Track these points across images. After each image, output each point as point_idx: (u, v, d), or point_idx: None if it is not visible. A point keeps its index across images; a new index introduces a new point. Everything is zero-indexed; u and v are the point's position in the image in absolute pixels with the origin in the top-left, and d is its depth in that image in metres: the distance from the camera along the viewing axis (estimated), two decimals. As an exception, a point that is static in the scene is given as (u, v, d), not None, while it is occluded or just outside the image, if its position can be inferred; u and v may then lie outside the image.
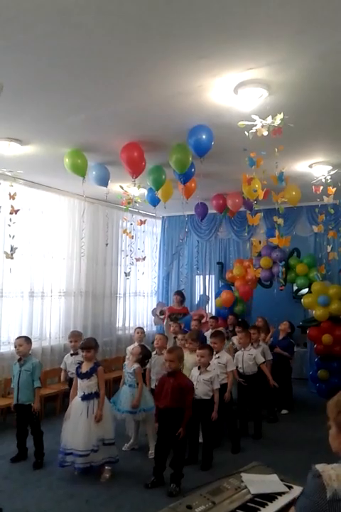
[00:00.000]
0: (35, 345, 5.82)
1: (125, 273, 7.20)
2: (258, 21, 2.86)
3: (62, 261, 7.68)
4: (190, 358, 5.25)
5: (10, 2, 2.66)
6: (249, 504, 2.22)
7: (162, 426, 4.37)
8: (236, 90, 3.80)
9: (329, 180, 5.97)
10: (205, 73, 3.54)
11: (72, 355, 5.53)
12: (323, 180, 6.01)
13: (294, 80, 3.65)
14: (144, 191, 6.55)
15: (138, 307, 9.64)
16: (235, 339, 6.50)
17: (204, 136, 4.66)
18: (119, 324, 9.04)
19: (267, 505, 2.21)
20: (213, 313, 8.52)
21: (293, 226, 8.25)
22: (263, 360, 5.95)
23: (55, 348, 7.43)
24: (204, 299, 9.43)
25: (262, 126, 3.91)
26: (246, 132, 4.01)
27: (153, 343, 5.86)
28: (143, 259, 6.91)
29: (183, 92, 3.89)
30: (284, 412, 6.88)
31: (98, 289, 8.36)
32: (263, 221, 8.03)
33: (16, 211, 5.49)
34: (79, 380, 4.59)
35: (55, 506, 3.99)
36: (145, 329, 9.28)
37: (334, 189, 5.86)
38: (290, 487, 2.37)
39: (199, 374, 4.85)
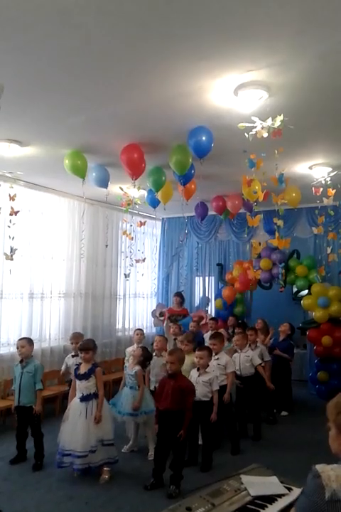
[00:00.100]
0: (34, 346, 5.80)
1: (125, 274, 7.20)
2: (258, 23, 2.86)
3: (61, 262, 7.68)
4: (186, 359, 5.24)
5: (10, 3, 2.66)
6: (248, 506, 2.21)
7: (162, 428, 4.36)
8: (237, 92, 3.80)
9: (329, 182, 5.97)
10: (205, 75, 3.55)
11: (73, 356, 5.53)
12: (323, 182, 6.02)
13: (294, 82, 3.66)
14: (144, 193, 6.55)
15: (137, 308, 9.64)
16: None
17: (204, 138, 4.66)
18: (119, 326, 9.04)
19: (267, 507, 2.21)
20: (213, 315, 8.51)
21: (293, 228, 8.26)
22: (260, 361, 5.94)
23: (55, 350, 7.43)
24: (205, 301, 9.43)
25: (262, 128, 3.92)
26: (246, 134, 4.01)
27: (152, 344, 5.86)
28: (143, 260, 6.91)
29: (183, 94, 3.89)
30: (284, 413, 6.87)
31: (98, 290, 8.36)
32: (263, 223, 8.05)
33: (16, 212, 5.49)
34: (77, 381, 4.59)
35: (55, 508, 3.99)
36: (144, 331, 9.29)
37: (334, 191, 5.86)
38: (290, 489, 2.37)
39: (198, 375, 4.84)
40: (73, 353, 5.56)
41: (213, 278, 9.48)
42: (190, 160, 5.17)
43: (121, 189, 6.17)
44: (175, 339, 6.40)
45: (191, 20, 2.82)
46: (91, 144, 5.21)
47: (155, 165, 5.73)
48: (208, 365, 4.92)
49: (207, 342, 6.71)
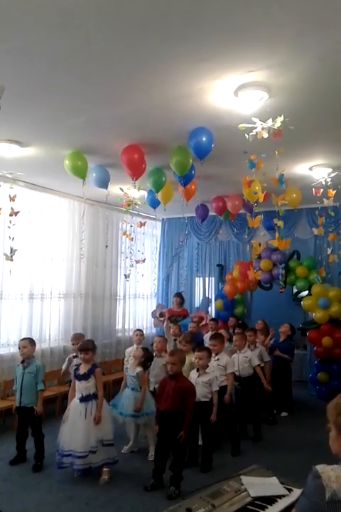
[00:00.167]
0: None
1: (125, 275, 7.20)
2: (259, 24, 2.86)
3: (61, 263, 7.68)
4: None
5: (10, 3, 2.66)
6: (248, 507, 2.21)
7: (162, 428, 4.36)
8: (237, 93, 3.81)
9: (329, 183, 5.97)
10: (206, 76, 3.55)
11: (74, 357, 5.52)
12: (323, 183, 6.02)
13: (294, 83, 3.66)
14: (144, 193, 6.55)
15: (137, 309, 9.64)
16: None
17: (204, 139, 4.66)
18: (119, 326, 9.04)
19: (267, 508, 2.21)
20: (213, 316, 8.51)
21: (293, 228, 8.26)
22: (258, 362, 5.93)
23: (55, 350, 7.43)
24: (206, 302, 9.42)
25: (262, 129, 3.92)
26: (246, 135, 4.01)
27: (152, 345, 5.86)
28: (143, 261, 6.91)
29: (184, 95, 3.89)
30: (284, 414, 6.87)
31: (98, 291, 8.36)
32: (263, 220, 8.03)
33: (16, 213, 5.49)
34: (77, 382, 4.59)
35: (55, 509, 3.98)
36: (144, 331, 9.29)
37: (335, 191, 5.87)
38: (290, 490, 2.37)
39: (198, 376, 4.84)
40: (74, 354, 5.56)
41: (213, 279, 9.48)
42: (191, 161, 5.18)
43: (122, 190, 6.17)
44: (175, 340, 6.40)
45: (191, 21, 2.83)
46: (92, 145, 5.21)
47: (156, 166, 5.73)
48: (208, 366, 4.92)
49: (207, 343, 6.73)
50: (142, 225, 6.88)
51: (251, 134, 4.00)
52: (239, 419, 5.75)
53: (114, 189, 6.35)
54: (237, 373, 5.77)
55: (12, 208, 5.46)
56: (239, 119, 4.11)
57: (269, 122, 3.88)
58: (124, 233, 6.94)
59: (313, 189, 6.07)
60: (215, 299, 8.94)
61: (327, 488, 1.52)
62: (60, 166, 5.56)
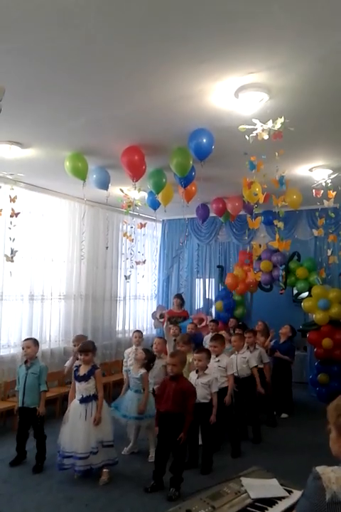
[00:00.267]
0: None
1: (125, 276, 7.20)
2: (259, 25, 2.87)
3: (62, 264, 7.68)
4: None
5: (10, 3, 2.67)
6: (248, 509, 2.21)
7: (162, 430, 4.35)
8: (237, 94, 3.81)
9: (329, 184, 5.98)
10: (206, 77, 3.56)
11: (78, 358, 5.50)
12: (323, 184, 6.02)
13: (294, 84, 3.67)
14: (144, 194, 6.56)
15: (138, 310, 9.64)
16: None
17: (204, 140, 4.67)
18: (119, 327, 9.04)
19: (267, 509, 2.20)
20: (213, 317, 8.51)
21: (294, 230, 8.26)
22: (256, 364, 5.92)
23: (55, 351, 7.43)
24: (207, 304, 9.41)
25: (263, 130, 3.93)
26: (246, 136, 4.02)
27: (151, 346, 5.86)
28: (143, 262, 6.91)
29: (184, 96, 3.90)
30: (284, 416, 6.86)
31: (98, 292, 8.36)
32: (262, 216, 8.03)
33: (17, 214, 5.50)
34: (77, 383, 4.59)
35: (55, 510, 3.98)
36: (145, 332, 9.28)
37: (335, 193, 5.87)
38: (290, 492, 2.36)
39: (197, 377, 4.83)
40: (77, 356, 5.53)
41: (213, 280, 9.48)
42: (191, 162, 5.18)
43: (122, 191, 6.17)
44: (174, 340, 6.41)
45: (192, 22, 2.83)
46: (92, 146, 5.21)
47: (156, 167, 5.74)
48: (207, 367, 4.92)
49: (208, 344, 6.72)
50: (142, 226, 6.89)
51: (251, 135, 4.01)
52: (238, 420, 5.74)
53: (115, 190, 6.35)
54: (236, 374, 5.77)
55: (13, 209, 5.46)
56: (239, 120, 4.12)
57: (269, 124, 3.88)
58: (124, 234, 6.94)
59: (313, 190, 6.08)
60: (215, 300, 8.94)
61: (328, 489, 1.52)
62: (60, 168, 5.56)
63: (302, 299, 7.63)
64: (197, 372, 4.89)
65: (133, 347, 6.31)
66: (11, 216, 5.46)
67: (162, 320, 8.21)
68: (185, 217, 7.89)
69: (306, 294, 7.65)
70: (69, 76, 3.57)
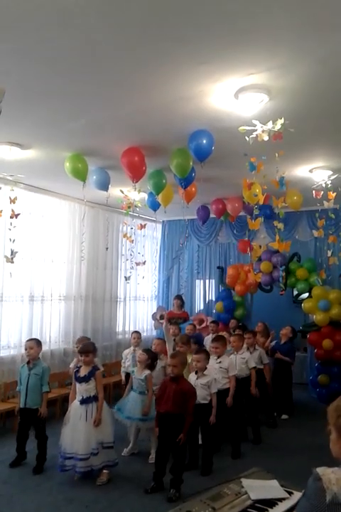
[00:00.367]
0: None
1: (125, 277, 7.20)
2: (259, 26, 2.87)
3: (62, 265, 7.68)
4: None
5: (10, 4, 2.67)
6: (249, 510, 2.20)
7: (162, 431, 4.35)
8: (237, 95, 3.81)
9: (329, 185, 5.98)
10: (206, 78, 3.56)
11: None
12: (323, 185, 6.02)
13: (294, 85, 3.67)
14: (144, 195, 6.56)
15: (138, 311, 9.64)
16: None
17: (204, 141, 4.67)
18: (119, 329, 9.04)
19: (267, 511, 2.20)
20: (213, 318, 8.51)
21: (294, 230, 8.26)
22: (254, 365, 5.91)
23: (55, 353, 7.42)
24: (209, 305, 9.39)
25: (263, 131, 3.93)
26: (246, 137, 4.02)
27: (151, 347, 5.86)
28: (144, 263, 6.91)
29: (184, 97, 3.90)
30: (284, 417, 6.86)
31: (98, 293, 8.35)
32: (263, 225, 8.04)
33: (17, 215, 5.50)
34: (77, 384, 4.59)
35: (55, 511, 3.98)
36: (145, 333, 9.28)
37: (335, 194, 5.87)
38: (290, 493, 2.36)
39: (197, 378, 4.83)
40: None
41: (213, 281, 9.48)
42: (191, 163, 5.18)
43: (122, 192, 6.18)
44: (174, 340, 6.41)
45: (192, 23, 2.83)
46: (92, 147, 5.22)
47: (156, 168, 5.74)
48: (206, 368, 4.92)
49: (209, 345, 6.72)
50: (142, 227, 6.89)
51: (251, 136, 4.01)
52: (238, 421, 5.74)
53: (115, 191, 6.35)
54: None
55: (13, 210, 5.47)
56: (239, 121, 4.12)
57: (269, 125, 3.89)
58: (125, 235, 6.94)
59: (313, 191, 6.08)
60: (215, 301, 8.94)
61: (328, 490, 1.52)
62: (60, 169, 5.56)
63: (303, 299, 7.62)
64: (196, 373, 4.89)
65: (131, 348, 6.34)
66: (11, 217, 5.46)
67: (162, 321, 8.21)
68: (185, 218, 7.89)
69: (306, 295, 7.64)
70: (69, 77, 3.57)
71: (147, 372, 5.10)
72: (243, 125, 4.00)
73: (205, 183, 5.67)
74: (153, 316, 8.64)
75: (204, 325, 7.84)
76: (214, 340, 5.63)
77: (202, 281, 9.58)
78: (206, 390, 4.79)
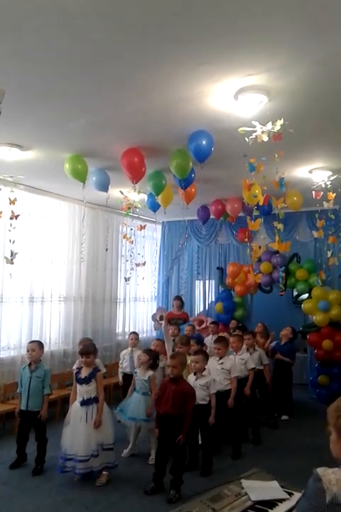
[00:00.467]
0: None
1: (125, 278, 7.20)
2: (258, 27, 2.87)
3: (62, 266, 7.68)
4: None
5: (10, 4, 2.67)
6: (249, 511, 2.21)
7: (162, 432, 4.35)
8: (237, 96, 3.82)
9: (329, 186, 5.98)
10: (205, 79, 3.56)
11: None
12: (323, 186, 6.03)
13: (294, 86, 3.67)
14: (144, 196, 6.56)
15: (138, 312, 9.63)
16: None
17: (204, 142, 4.67)
18: (119, 329, 9.03)
19: None
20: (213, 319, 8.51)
21: (293, 231, 8.26)
22: (253, 366, 5.90)
23: (55, 354, 7.41)
24: (209, 306, 9.39)
25: (262, 132, 3.93)
26: (246, 138, 4.02)
27: (150, 348, 5.86)
28: (143, 264, 6.91)
29: (184, 98, 3.90)
30: (284, 417, 6.86)
31: (98, 294, 8.35)
32: (263, 226, 8.04)
33: (17, 216, 5.50)
34: (78, 386, 4.59)
35: (55, 512, 3.98)
36: (145, 334, 9.27)
37: (334, 195, 5.87)
38: (290, 494, 2.36)
39: (195, 379, 4.83)
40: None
41: (213, 282, 9.48)
42: (191, 164, 5.18)
43: (122, 193, 6.18)
44: (173, 340, 6.41)
45: (191, 24, 2.84)
46: (92, 148, 5.22)
47: (156, 169, 5.74)
48: (204, 369, 4.91)
49: (210, 346, 6.72)
50: (142, 228, 6.89)
51: (250, 137, 4.01)
52: (238, 422, 5.73)
53: (114, 192, 6.36)
54: None
55: (12, 211, 5.47)
56: (238, 122, 4.12)
57: (269, 125, 3.89)
58: (124, 236, 6.94)
59: (313, 192, 6.08)
60: (215, 302, 8.94)
61: (328, 491, 1.52)
62: (60, 170, 5.56)
63: (302, 300, 7.62)
64: (195, 374, 4.89)
65: (129, 349, 6.35)
66: (11, 218, 5.46)
67: (162, 322, 8.20)
68: (184, 219, 7.89)
69: (306, 295, 7.65)
70: (69, 77, 3.57)
71: (150, 372, 5.09)
72: (242, 126, 4.00)
73: (205, 183, 5.67)
74: (153, 317, 8.64)
75: (204, 326, 7.84)
76: (216, 341, 5.61)
77: (201, 282, 9.58)
78: (205, 390, 4.79)
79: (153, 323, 8.74)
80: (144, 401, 5.03)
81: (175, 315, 8.11)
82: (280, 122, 3.82)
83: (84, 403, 4.48)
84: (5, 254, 5.74)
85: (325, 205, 5.90)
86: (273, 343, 7.21)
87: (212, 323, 7.63)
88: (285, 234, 7.62)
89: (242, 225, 8.35)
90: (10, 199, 5.45)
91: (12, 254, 5.40)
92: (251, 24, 2.83)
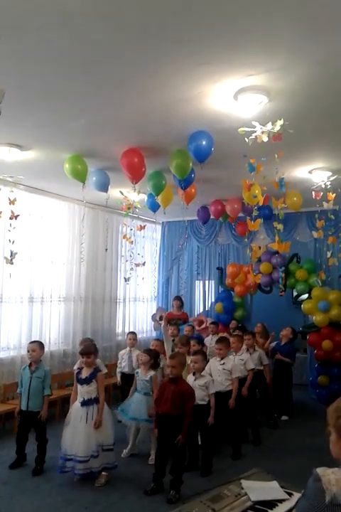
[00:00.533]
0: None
1: (125, 278, 7.20)
2: (258, 28, 2.88)
3: (61, 266, 7.67)
4: None
5: (10, 4, 2.67)
6: (249, 511, 2.20)
7: (162, 432, 4.35)
8: (236, 96, 3.82)
9: (329, 186, 5.98)
10: (205, 80, 3.56)
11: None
12: (323, 186, 6.03)
13: (294, 86, 3.67)
14: (144, 197, 6.56)
15: (137, 312, 9.63)
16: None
17: (204, 142, 4.67)
18: (119, 330, 9.03)
19: (267, 512, 2.20)
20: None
21: (293, 231, 8.26)
22: (253, 366, 5.89)
23: (55, 354, 7.41)
24: (211, 306, 9.39)
25: (262, 133, 3.93)
26: (246, 138, 4.02)
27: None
28: (143, 264, 6.91)
29: (184, 98, 3.90)
30: (284, 418, 6.85)
31: (98, 294, 8.35)
32: (263, 226, 8.04)
33: (16, 216, 5.50)
34: (78, 386, 4.58)
35: (54, 513, 3.97)
36: (144, 335, 9.27)
37: (334, 195, 5.87)
38: (290, 494, 2.36)
39: (194, 379, 4.83)
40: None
41: (213, 282, 9.48)
42: (190, 164, 5.18)
43: (121, 193, 6.18)
44: (173, 340, 6.41)
45: (191, 25, 2.84)
46: (92, 148, 5.22)
47: (156, 169, 5.74)
48: (203, 369, 4.91)
49: (209, 346, 6.71)
50: (142, 228, 6.89)
51: (250, 137, 4.01)
52: (238, 422, 5.73)
53: (114, 192, 6.36)
54: None
55: (12, 212, 5.47)
56: (238, 122, 4.12)
57: (269, 126, 3.89)
58: (124, 236, 6.94)
59: (313, 192, 6.08)
60: (215, 302, 8.93)
61: (327, 491, 1.52)
62: (60, 170, 5.56)
63: (302, 300, 7.62)
64: (194, 374, 4.89)
65: (127, 348, 6.35)
66: (11, 218, 5.46)
67: (161, 322, 8.20)
68: (184, 219, 7.89)
69: (306, 295, 7.64)
70: (69, 77, 3.57)
71: (152, 372, 5.09)
72: (242, 126, 4.00)
73: (205, 184, 5.67)
74: (153, 317, 8.64)
75: (203, 326, 7.83)
76: (217, 341, 5.60)
77: (201, 282, 9.58)
78: (204, 390, 4.79)
79: (152, 323, 8.74)
80: (146, 401, 5.02)
81: (174, 315, 8.11)
82: (280, 122, 3.82)
83: (85, 403, 4.47)
84: (5, 255, 5.74)
85: (325, 205, 5.90)
86: (273, 344, 7.21)
87: (212, 323, 7.63)
88: (285, 234, 7.62)
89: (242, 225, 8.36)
90: (10, 199, 5.45)
91: (12, 254, 5.40)
92: (251, 24, 2.83)
